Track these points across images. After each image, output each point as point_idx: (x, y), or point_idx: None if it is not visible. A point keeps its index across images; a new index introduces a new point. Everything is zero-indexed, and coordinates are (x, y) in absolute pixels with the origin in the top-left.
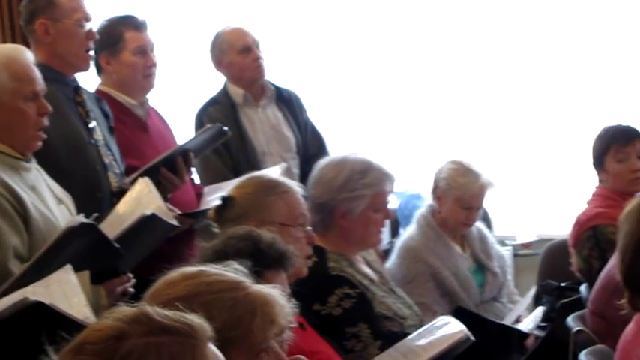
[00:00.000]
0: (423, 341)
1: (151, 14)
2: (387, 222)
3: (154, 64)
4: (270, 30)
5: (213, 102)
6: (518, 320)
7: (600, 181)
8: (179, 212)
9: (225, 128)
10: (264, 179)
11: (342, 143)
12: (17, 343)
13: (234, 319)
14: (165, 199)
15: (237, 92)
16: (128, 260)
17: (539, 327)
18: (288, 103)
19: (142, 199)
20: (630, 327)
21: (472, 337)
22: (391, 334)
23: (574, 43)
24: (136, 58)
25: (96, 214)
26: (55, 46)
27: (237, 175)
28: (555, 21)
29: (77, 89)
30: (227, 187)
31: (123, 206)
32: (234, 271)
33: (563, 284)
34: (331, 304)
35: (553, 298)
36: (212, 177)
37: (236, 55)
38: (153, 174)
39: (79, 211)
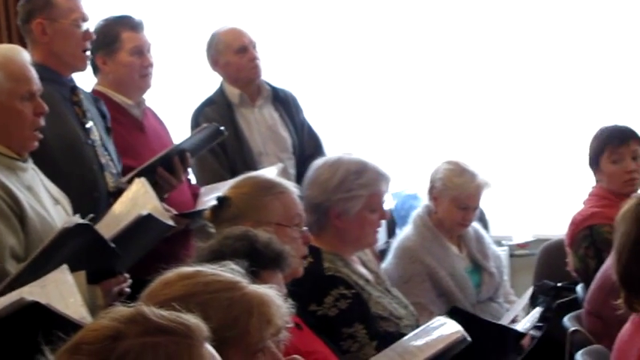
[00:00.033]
0: (419, 342)
1: (148, 14)
2: (383, 222)
3: (150, 65)
4: (266, 30)
5: (209, 102)
6: (514, 321)
7: (597, 180)
8: (175, 212)
9: (222, 128)
10: (261, 179)
11: (338, 143)
12: (14, 343)
13: (230, 320)
14: (162, 199)
15: (233, 92)
16: (124, 260)
17: (535, 327)
18: (284, 103)
19: (138, 199)
20: (627, 327)
21: (469, 338)
22: (387, 334)
23: (570, 43)
24: (132, 58)
25: (92, 215)
26: (52, 45)
27: (233, 175)
28: (551, 21)
29: (74, 89)
30: (223, 188)
31: (119, 206)
32: (230, 272)
33: (559, 284)
34: (327, 304)
35: (549, 298)
36: (208, 177)
37: (232, 55)
38: (149, 174)
39: (76, 211)
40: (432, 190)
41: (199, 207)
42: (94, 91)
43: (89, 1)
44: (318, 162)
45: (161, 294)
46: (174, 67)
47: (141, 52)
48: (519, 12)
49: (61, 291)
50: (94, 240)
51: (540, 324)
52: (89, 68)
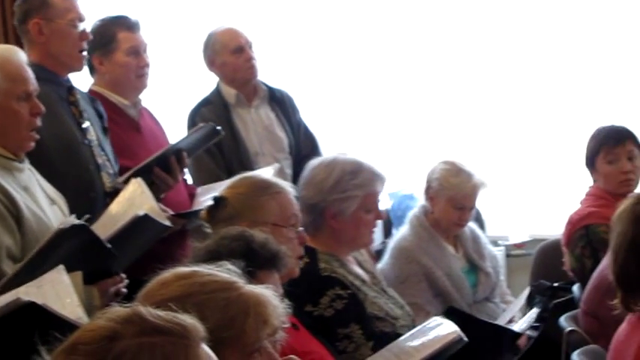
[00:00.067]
0: (415, 342)
1: (144, 14)
2: (380, 222)
3: (146, 65)
4: (262, 30)
5: (205, 102)
6: (511, 322)
7: (594, 180)
8: (172, 213)
9: (219, 127)
10: (257, 179)
11: (334, 144)
12: (10, 343)
13: (227, 320)
14: (159, 199)
15: (229, 92)
16: (121, 261)
17: (531, 327)
18: (280, 103)
19: (134, 199)
20: (623, 327)
21: (465, 338)
22: (383, 334)
23: (567, 43)
24: (128, 58)
25: (87, 215)
26: (48, 46)
27: (229, 175)
28: (547, 21)
29: (70, 89)
30: (220, 188)
31: (116, 206)
32: (227, 272)
33: (555, 284)
34: (323, 305)
35: (546, 298)
36: (205, 177)
37: (229, 55)
38: (146, 173)
39: (72, 211)
40: (428, 190)
41: (196, 207)
42: (90, 91)
43: (85, 1)
44: (313, 162)
45: (158, 294)
46: (171, 68)
47: (137, 52)
48: (514, 12)
49: (58, 291)
50: (90, 240)
51: (537, 324)
52: (85, 68)
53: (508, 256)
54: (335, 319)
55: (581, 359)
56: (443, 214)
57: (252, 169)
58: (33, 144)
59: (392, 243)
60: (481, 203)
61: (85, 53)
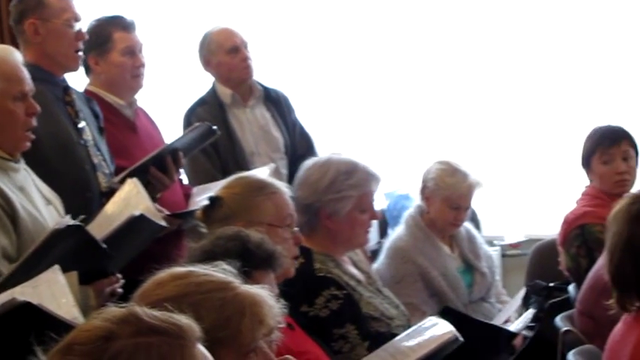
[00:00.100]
0: (411, 342)
1: (140, 14)
2: (376, 222)
3: (142, 65)
4: (258, 30)
5: (201, 102)
6: (507, 322)
7: (590, 180)
8: (167, 213)
9: (215, 127)
10: (253, 179)
11: (330, 144)
12: (5, 343)
13: (223, 320)
14: (155, 199)
15: (225, 92)
16: (117, 261)
17: (527, 327)
18: (276, 103)
19: (130, 199)
20: (618, 327)
21: (461, 338)
22: (378, 334)
23: (562, 43)
24: (124, 58)
25: (82, 216)
26: (44, 46)
27: (225, 175)
28: (542, 21)
29: (66, 89)
30: (215, 188)
31: (111, 206)
32: (222, 272)
33: (551, 284)
34: (318, 305)
35: (541, 298)
36: (201, 177)
37: (224, 55)
38: (142, 173)
39: (68, 211)
40: (424, 190)
41: (191, 207)
42: (86, 91)
43: (81, 1)
44: (308, 162)
45: (153, 294)
46: (166, 68)
47: (133, 52)
48: (510, 11)
49: (53, 291)
50: (85, 241)
51: (532, 324)
52: (81, 68)
53: (504, 256)
54: (330, 320)
55: (576, 359)
56: (438, 214)
57: (247, 169)
58: (28, 144)
59: (388, 243)
60: (477, 203)
61: (80, 53)
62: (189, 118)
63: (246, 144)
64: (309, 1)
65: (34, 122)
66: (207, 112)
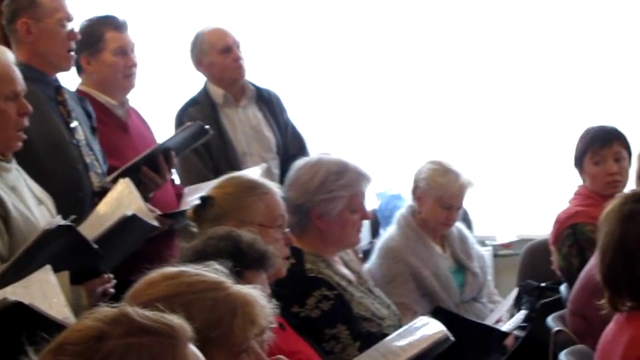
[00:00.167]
0: (402, 342)
1: (132, 14)
2: (367, 222)
3: (134, 65)
4: (250, 30)
5: (193, 102)
6: (499, 322)
7: (583, 180)
8: (159, 213)
9: (207, 126)
10: (244, 180)
11: (322, 144)
12: None
13: (214, 320)
14: (147, 199)
15: (217, 92)
16: (109, 261)
17: (519, 327)
18: (268, 103)
19: (122, 199)
20: (610, 327)
21: (452, 338)
22: (369, 335)
23: (554, 43)
24: (116, 58)
25: (74, 216)
26: (36, 45)
27: (217, 175)
28: (534, 21)
29: (58, 89)
30: (207, 188)
31: (103, 206)
32: (214, 272)
33: (543, 284)
34: (309, 306)
35: (533, 298)
36: (192, 177)
37: (216, 55)
38: (134, 173)
39: (60, 210)
40: (415, 190)
41: (183, 207)
42: (78, 91)
43: (73, 1)
44: (298, 163)
45: (145, 294)
46: (158, 67)
47: (125, 52)
48: (500, 12)
49: (45, 291)
50: (76, 241)
51: (524, 324)
52: (73, 68)
53: (495, 256)
54: (322, 320)
55: (568, 359)
56: (430, 213)
57: (239, 169)
58: (20, 144)
59: (379, 243)
60: (468, 203)
61: (73, 53)
62: (181, 118)
63: (238, 144)
64: (301, 1)
65: (26, 122)
66: (199, 112)
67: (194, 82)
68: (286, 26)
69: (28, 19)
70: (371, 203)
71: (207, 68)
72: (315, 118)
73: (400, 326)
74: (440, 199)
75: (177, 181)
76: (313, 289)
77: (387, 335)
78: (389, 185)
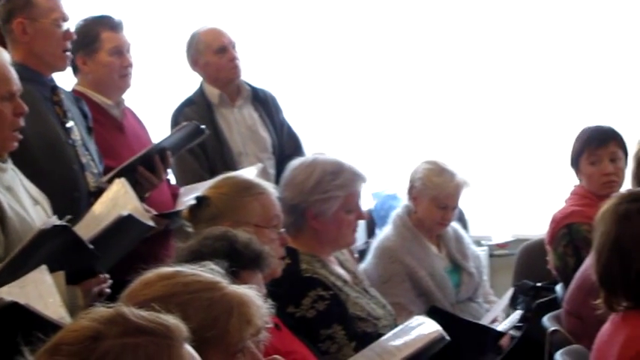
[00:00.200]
0: (397, 341)
1: (128, 14)
2: (363, 222)
3: (130, 65)
4: (246, 30)
5: (189, 102)
6: (494, 322)
7: (579, 180)
8: (155, 213)
9: (203, 126)
10: (240, 180)
11: (318, 144)
12: None
13: (210, 320)
14: (143, 199)
15: (213, 92)
16: (105, 261)
17: (514, 327)
18: (264, 103)
19: (118, 199)
20: (606, 327)
21: (447, 337)
22: (365, 335)
23: (549, 43)
24: (112, 58)
25: (69, 216)
26: (32, 45)
27: (213, 175)
28: (529, 21)
29: (54, 89)
30: (203, 188)
31: (99, 207)
32: (210, 272)
33: (538, 284)
34: (305, 306)
35: (529, 298)
36: (188, 177)
37: (212, 55)
38: (130, 173)
39: (56, 210)
40: (411, 190)
41: (179, 207)
42: (73, 91)
43: (69, 1)
44: (293, 163)
45: (141, 294)
46: (154, 67)
47: (120, 52)
48: (495, 12)
49: (40, 291)
50: (72, 241)
51: (520, 324)
52: (69, 68)
53: (491, 256)
54: (317, 320)
55: (564, 359)
56: (426, 213)
57: (235, 169)
58: (16, 144)
59: (375, 243)
60: (464, 203)
61: (68, 53)
62: (177, 118)
63: (233, 144)
64: (297, 1)
65: (22, 122)
66: (195, 112)
67: (190, 82)
68: (282, 26)
69: (24, 19)
70: (367, 203)
71: (203, 68)
72: (311, 118)
73: (396, 326)
74: (435, 198)
75: (173, 181)
76: (309, 289)
77: (382, 335)
78: (385, 185)
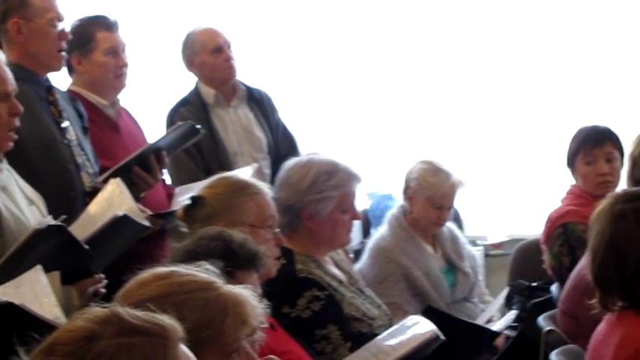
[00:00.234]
0: (393, 341)
1: (123, 14)
2: (359, 222)
3: (125, 65)
4: (241, 30)
5: (184, 102)
6: (490, 322)
7: (575, 180)
8: (150, 213)
9: (198, 126)
10: (235, 180)
11: (313, 144)
12: None
13: (205, 320)
14: (138, 199)
15: (208, 92)
16: (100, 261)
17: (510, 327)
18: (259, 103)
19: (113, 199)
20: (601, 327)
21: (442, 337)
22: (360, 335)
23: (546, 43)
24: (107, 58)
25: (65, 216)
26: (27, 45)
27: (208, 175)
28: (525, 22)
29: (50, 89)
30: (198, 188)
31: (94, 207)
32: (205, 272)
33: (534, 284)
34: (300, 306)
35: (524, 298)
36: (184, 177)
37: (208, 55)
38: (125, 172)
39: (52, 210)
40: (406, 190)
41: (174, 207)
42: (69, 91)
43: (64, 0)
44: (288, 163)
45: (136, 294)
46: (150, 68)
47: (116, 52)
48: (491, 12)
49: (35, 291)
50: (67, 241)
51: (515, 324)
52: (64, 68)
53: (486, 256)
54: (312, 321)
55: (559, 359)
56: (421, 213)
57: (230, 169)
58: (11, 144)
59: (370, 243)
60: (459, 203)
61: (64, 53)
62: (172, 119)
63: (229, 144)
64: (293, 1)
65: (17, 122)
66: (190, 112)
67: (185, 82)
68: (277, 26)
69: (19, 19)
70: (362, 203)
71: (199, 68)
72: (306, 118)
73: (391, 326)
74: (431, 198)
75: (169, 181)
76: (304, 289)
77: (377, 335)
78: (380, 185)
